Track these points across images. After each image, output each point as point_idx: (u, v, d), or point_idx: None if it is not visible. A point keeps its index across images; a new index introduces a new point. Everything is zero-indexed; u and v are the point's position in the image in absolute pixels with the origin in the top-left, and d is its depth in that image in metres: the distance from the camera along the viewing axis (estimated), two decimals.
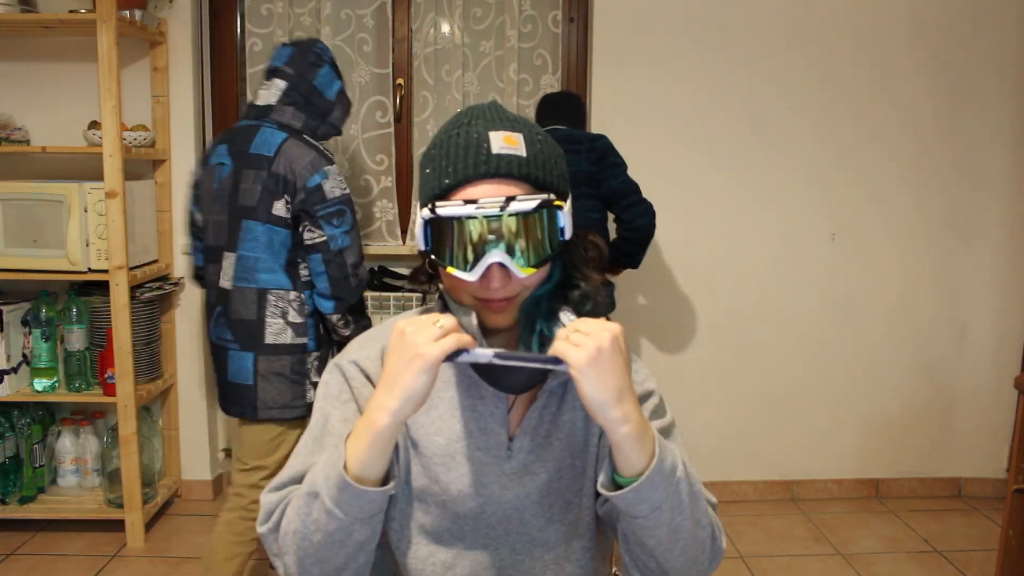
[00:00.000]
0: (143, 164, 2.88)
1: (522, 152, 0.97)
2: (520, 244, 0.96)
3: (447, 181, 0.96)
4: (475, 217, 0.94)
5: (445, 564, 1.05)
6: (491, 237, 0.95)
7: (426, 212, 0.97)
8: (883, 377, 3.13)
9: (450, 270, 0.97)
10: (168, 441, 3.03)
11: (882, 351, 3.11)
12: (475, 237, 0.95)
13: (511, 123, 0.99)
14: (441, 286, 1.06)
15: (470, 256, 0.96)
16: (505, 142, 0.97)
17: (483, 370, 1.03)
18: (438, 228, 0.97)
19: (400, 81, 3.02)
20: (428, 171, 1.00)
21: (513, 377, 1.01)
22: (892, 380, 3.14)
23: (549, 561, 1.07)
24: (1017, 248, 3.10)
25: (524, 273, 0.96)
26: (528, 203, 0.94)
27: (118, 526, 2.68)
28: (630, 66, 2.93)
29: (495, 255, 0.94)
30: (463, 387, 1.05)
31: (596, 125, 2.96)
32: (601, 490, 0.94)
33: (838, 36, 2.95)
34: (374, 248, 3.01)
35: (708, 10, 2.89)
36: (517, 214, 0.94)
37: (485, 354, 0.89)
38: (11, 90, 2.86)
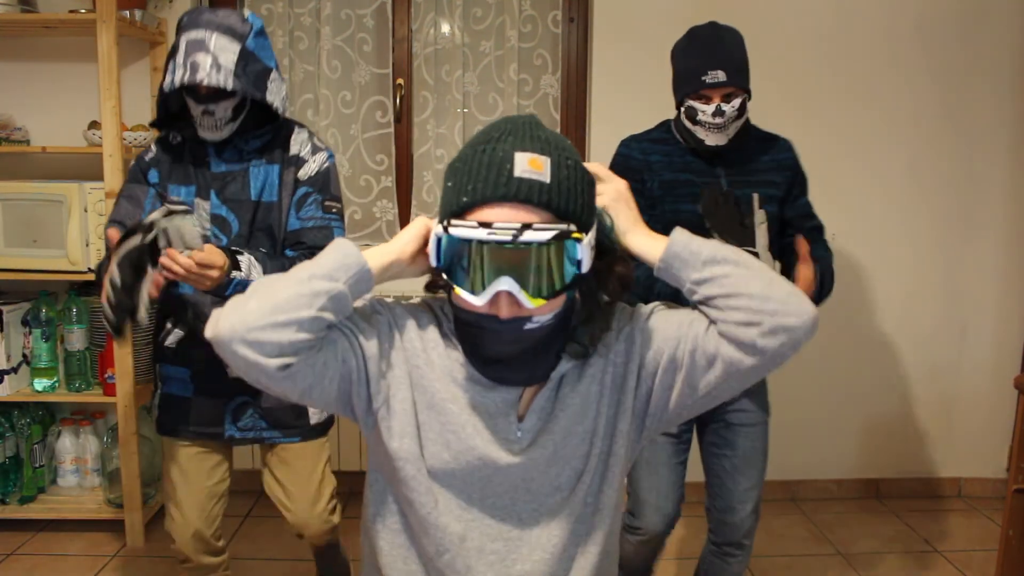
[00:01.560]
0: None
1: (546, 178, 0.94)
2: (532, 274, 0.94)
3: (465, 199, 0.95)
4: (487, 242, 0.93)
5: (459, 535, 1.08)
6: (502, 264, 0.93)
7: (440, 229, 0.97)
8: (883, 377, 3.13)
9: (458, 291, 0.97)
10: None
11: (882, 351, 3.11)
12: (486, 262, 0.94)
13: (542, 144, 0.97)
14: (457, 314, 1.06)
15: (479, 280, 0.95)
16: (530, 165, 0.94)
17: (489, 369, 1.05)
18: (451, 246, 0.97)
19: (400, 81, 3.02)
20: (449, 185, 0.99)
21: (516, 373, 1.04)
22: (892, 380, 3.14)
23: (556, 532, 1.09)
24: (1017, 248, 3.10)
25: (533, 304, 0.95)
26: (543, 234, 0.92)
27: (118, 526, 2.68)
28: (630, 66, 2.93)
29: (504, 283, 0.93)
30: (474, 378, 1.07)
31: (596, 125, 2.96)
32: (657, 263, 1.04)
33: (838, 36, 2.95)
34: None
35: (708, 10, 2.89)
36: (530, 244, 0.92)
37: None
38: (11, 90, 2.86)
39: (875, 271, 3.08)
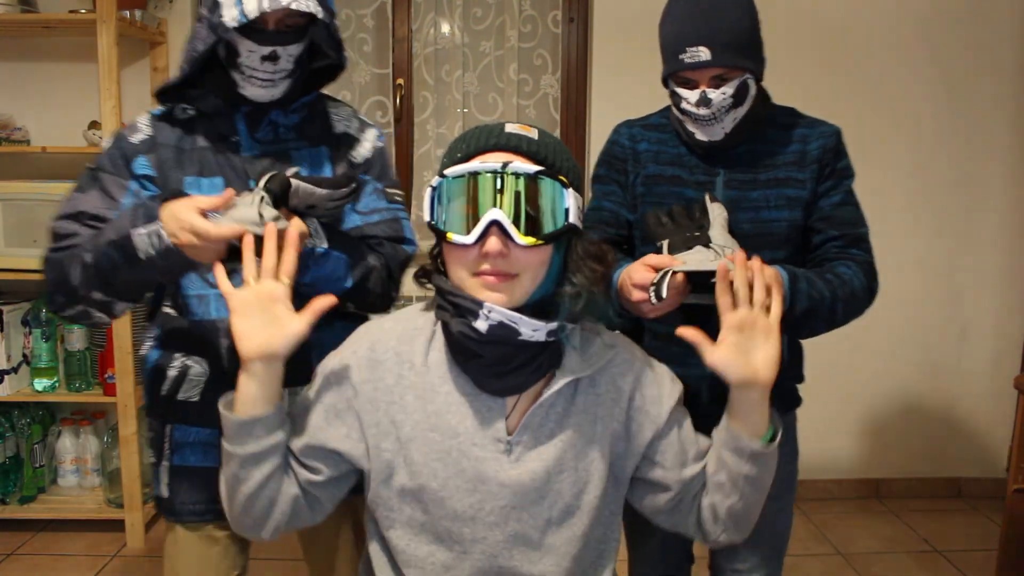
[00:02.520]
0: None
1: (534, 136, 1.01)
2: (521, 209, 0.96)
3: (458, 155, 1.01)
4: (477, 172, 0.96)
5: (445, 565, 1.05)
6: (493, 199, 0.96)
7: (435, 179, 1.00)
8: (883, 377, 3.13)
9: (450, 236, 0.97)
10: None
11: (882, 351, 3.11)
12: (477, 199, 0.97)
13: (529, 125, 1.04)
14: (440, 283, 1.04)
15: (470, 222, 0.97)
16: (519, 128, 1.01)
17: (475, 374, 1.03)
18: (443, 196, 0.99)
19: (400, 81, 3.02)
20: (445, 158, 1.04)
21: (505, 381, 1.02)
22: (892, 380, 3.14)
23: (551, 568, 1.06)
24: (1017, 248, 3.10)
25: (523, 240, 0.96)
26: (529, 166, 0.96)
27: (118, 526, 2.68)
28: (630, 66, 2.93)
29: (493, 213, 0.95)
30: (460, 383, 1.05)
31: (596, 126, 2.96)
32: (756, 446, 1.05)
33: (838, 36, 2.95)
34: None
35: None
36: (517, 173, 0.96)
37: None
38: (11, 90, 2.86)
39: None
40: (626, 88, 2.94)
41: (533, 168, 0.96)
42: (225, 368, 1.31)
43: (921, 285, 3.08)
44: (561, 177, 0.98)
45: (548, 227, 0.98)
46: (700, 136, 1.36)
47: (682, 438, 1.12)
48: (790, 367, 1.43)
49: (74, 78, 2.84)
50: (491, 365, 1.01)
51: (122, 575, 2.53)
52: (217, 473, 1.17)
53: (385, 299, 1.38)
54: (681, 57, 1.29)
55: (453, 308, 1.00)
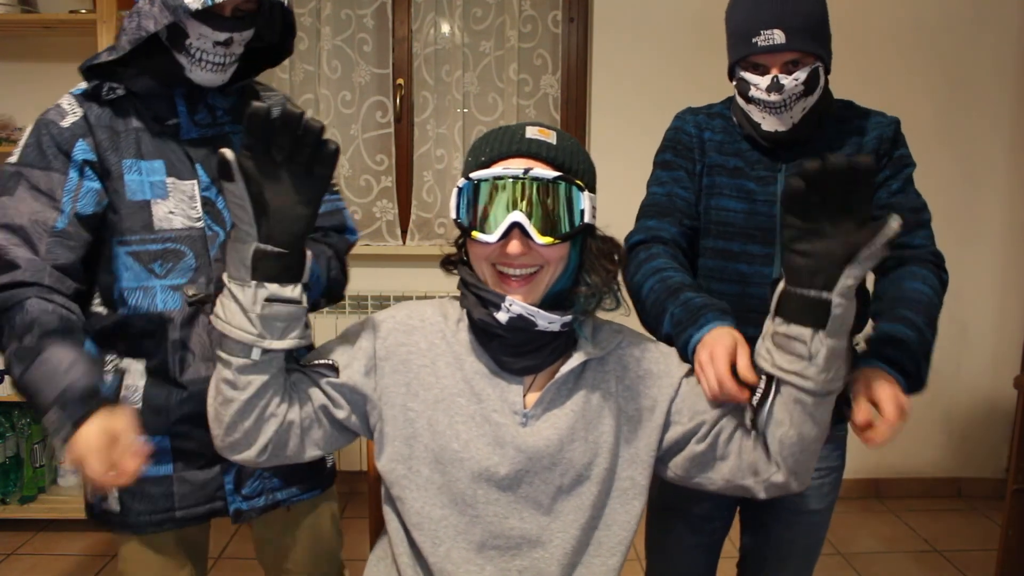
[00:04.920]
0: None
1: (553, 141, 1.08)
2: (540, 212, 1.05)
3: (483, 159, 1.08)
4: (501, 177, 1.04)
5: (457, 528, 1.11)
6: (515, 202, 1.04)
7: (461, 181, 1.08)
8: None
9: (474, 235, 1.06)
10: None
11: None
12: (499, 201, 1.05)
13: (547, 126, 1.10)
14: (465, 275, 1.13)
15: (493, 222, 1.05)
16: (538, 132, 1.08)
17: (496, 354, 1.12)
18: (469, 197, 1.07)
19: (400, 81, 3.02)
20: (470, 158, 1.11)
21: (523, 360, 1.11)
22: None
23: (557, 534, 1.12)
24: (1017, 248, 3.10)
25: (542, 240, 1.04)
26: (548, 172, 1.05)
27: None
28: (630, 66, 2.93)
29: (515, 215, 1.04)
30: (484, 360, 1.14)
31: (596, 126, 2.96)
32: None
33: (838, 35, 2.94)
34: (374, 248, 3.02)
35: (708, 10, 2.89)
36: (537, 179, 1.04)
37: None
38: (11, 90, 2.86)
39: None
40: (626, 88, 2.94)
41: (552, 174, 1.05)
42: (169, 366, 1.23)
43: None
44: (577, 181, 1.06)
45: (565, 227, 1.06)
46: (766, 126, 1.33)
47: (696, 396, 1.15)
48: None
49: (74, 78, 2.82)
50: (510, 346, 1.11)
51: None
52: (170, 479, 1.25)
53: (341, 285, 1.38)
54: (754, 40, 1.26)
55: (477, 299, 1.10)
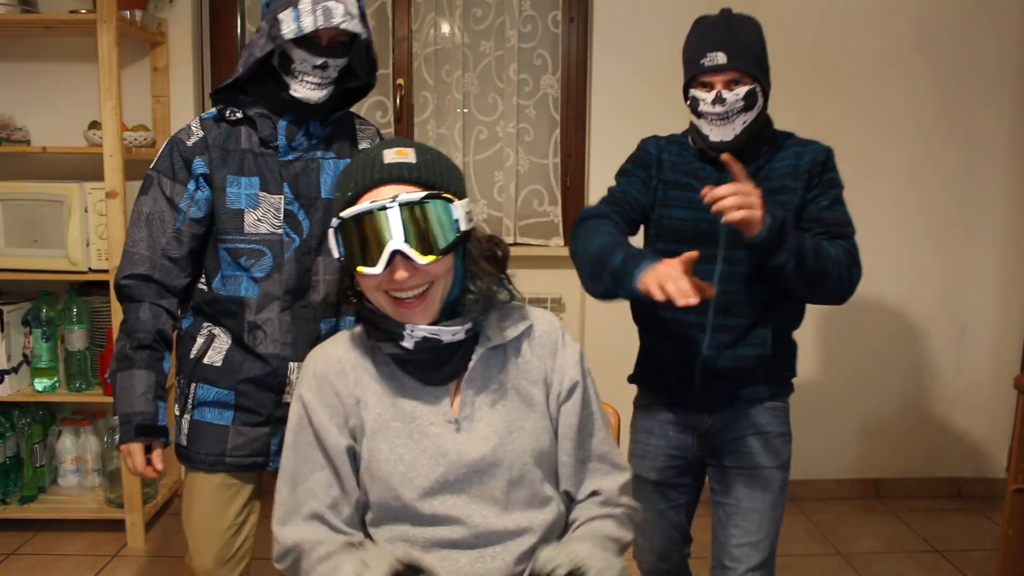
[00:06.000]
0: (143, 164, 2.87)
1: (412, 160, 1.11)
2: (416, 234, 1.08)
3: (349, 194, 1.11)
4: (371, 211, 1.07)
5: (425, 536, 1.14)
6: (391, 231, 1.07)
7: (335, 221, 1.11)
8: (883, 377, 3.13)
9: (360, 269, 1.10)
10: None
11: (882, 351, 3.11)
12: (376, 233, 1.08)
13: (403, 143, 1.14)
14: (364, 311, 1.18)
15: (374, 254, 1.08)
16: (396, 154, 1.11)
17: (414, 373, 1.16)
18: (346, 234, 1.10)
19: (400, 81, 3.02)
20: (337, 193, 1.14)
21: (442, 371, 1.15)
22: (892, 380, 3.14)
23: (523, 523, 1.15)
24: (1018, 248, 3.10)
25: (424, 260, 1.08)
26: (415, 195, 1.08)
27: (118, 526, 2.68)
28: (630, 66, 2.93)
29: (394, 243, 1.07)
30: (406, 380, 1.18)
31: (596, 126, 2.96)
32: None
33: (839, 35, 2.95)
34: None
35: (708, 10, 2.89)
36: (406, 203, 1.07)
37: None
38: (11, 90, 2.86)
39: (875, 272, 3.06)
40: (626, 88, 2.94)
41: (419, 195, 1.08)
42: (244, 339, 1.55)
43: (921, 285, 3.08)
44: (446, 195, 1.10)
45: (442, 243, 1.09)
46: (713, 137, 1.56)
47: (580, 418, 1.23)
48: (785, 360, 1.71)
49: (74, 78, 2.84)
50: (425, 364, 1.15)
51: (122, 575, 2.53)
52: (228, 429, 1.54)
53: None
54: (701, 62, 1.53)
55: (380, 332, 1.14)
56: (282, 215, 1.55)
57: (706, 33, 1.57)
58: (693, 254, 1.32)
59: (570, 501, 1.24)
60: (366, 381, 1.18)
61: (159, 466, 1.54)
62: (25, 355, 2.71)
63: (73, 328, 2.67)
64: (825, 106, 2.97)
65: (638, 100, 2.95)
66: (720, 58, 1.51)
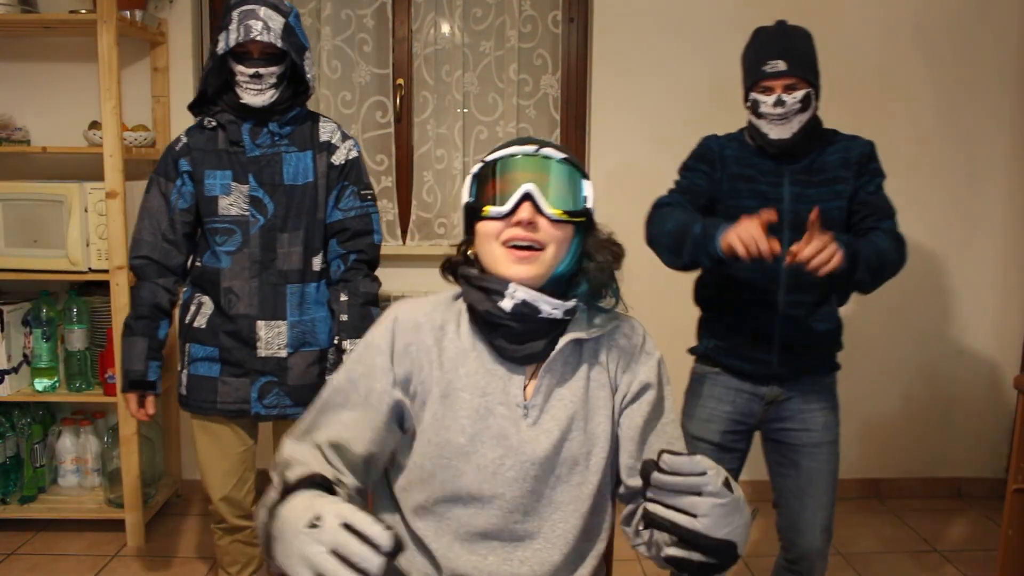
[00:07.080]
0: (143, 164, 2.88)
1: (560, 150, 1.17)
2: (550, 186, 1.12)
3: (497, 148, 1.17)
4: (515, 155, 1.13)
5: (460, 520, 1.13)
6: (527, 176, 1.11)
7: (475, 167, 1.16)
8: (883, 377, 3.13)
9: (486, 210, 1.11)
10: (168, 441, 3.04)
11: (882, 351, 3.11)
12: (512, 176, 1.12)
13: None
14: (466, 273, 1.16)
15: (505, 198, 1.11)
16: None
17: (499, 344, 1.14)
18: (482, 180, 1.15)
19: (400, 81, 3.02)
20: (485, 156, 1.18)
21: (525, 348, 1.13)
22: (892, 380, 3.14)
23: (559, 524, 1.14)
24: (1018, 248, 3.10)
25: (551, 211, 1.10)
26: (558, 153, 1.15)
27: (118, 526, 2.68)
28: (630, 66, 2.93)
29: (527, 187, 1.10)
30: (485, 354, 1.16)
31: (596, 126, 2.96)
32: None
33: (839, 35, 2.95)
34: None
35: (708, 10, 2.89)
36: (548, 158, 1.13)
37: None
38: (11, 90, 2.86)
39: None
40: (626, 88, 2.94)
41: (561, 155, 1.14)
42: (221, 303, 1.90)
43: (921, 285, 3.08)
44: (583, 169, 1.16)
45: (572, 204, 1.13)
46: (772, 135, 1.74)
47: (647, 418, 1.18)
48: (834, 337, 1.98)
49: (74, 78, 2.84)
50: (514, 335, 1.13)
51: (122, 575, 2.53)
52: (216, 380, 1.92)
53: (375, 298, 2.02)
54: (763, 68, 1.71)
55: (480, 291, 1.13)
56: (248, 200, 1.88)
57: (767, 42, 1.74)
58: (771, 214, 1.48)
59: (632, 496, 1.19)
60: (444, 344, 1.16)
61: (150, 410, 1.95)
62: (25, 355, 2.71)
63: (73, 328, 2.67)
64: (825, 106, 2.96)
65: (638, 101, 2.95)
66: (780, 65, 1.69)
